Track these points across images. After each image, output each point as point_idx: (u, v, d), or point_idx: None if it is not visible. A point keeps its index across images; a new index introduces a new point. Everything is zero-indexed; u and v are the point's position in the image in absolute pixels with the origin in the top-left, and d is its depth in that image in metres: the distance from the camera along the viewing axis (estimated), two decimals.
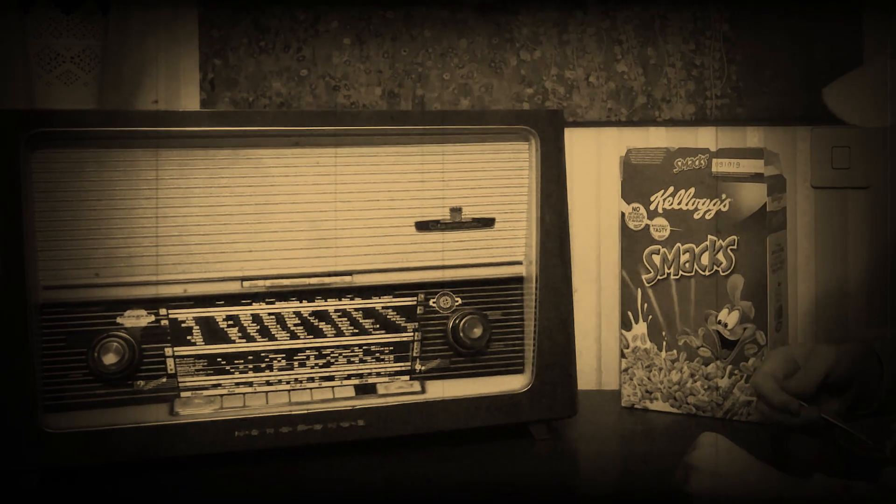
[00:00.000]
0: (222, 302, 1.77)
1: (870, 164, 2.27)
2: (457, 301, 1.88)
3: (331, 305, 1.82)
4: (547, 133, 1.89)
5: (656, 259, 2.05)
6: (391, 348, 1.85)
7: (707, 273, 2.01)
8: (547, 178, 1.89)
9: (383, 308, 1.85)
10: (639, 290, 2.07)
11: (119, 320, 1.73)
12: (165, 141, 1.73)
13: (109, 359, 1.70)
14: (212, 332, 1.77)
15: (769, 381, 1.71)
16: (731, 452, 1.43)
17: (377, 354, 1.84)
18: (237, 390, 1.78)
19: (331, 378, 1.82)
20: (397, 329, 1.85)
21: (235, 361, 1.78)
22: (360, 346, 1.84)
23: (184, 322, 1.76)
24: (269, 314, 1.80)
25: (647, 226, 2.06)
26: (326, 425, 1.78)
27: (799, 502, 1.33)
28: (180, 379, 1.76)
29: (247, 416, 1.75)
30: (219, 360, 1.77)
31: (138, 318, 1.74)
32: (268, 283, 1.79)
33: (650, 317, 2.07)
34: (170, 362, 1.75)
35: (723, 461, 1.40)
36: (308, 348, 1.81)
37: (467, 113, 2.03)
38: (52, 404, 1.69)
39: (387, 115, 1.90)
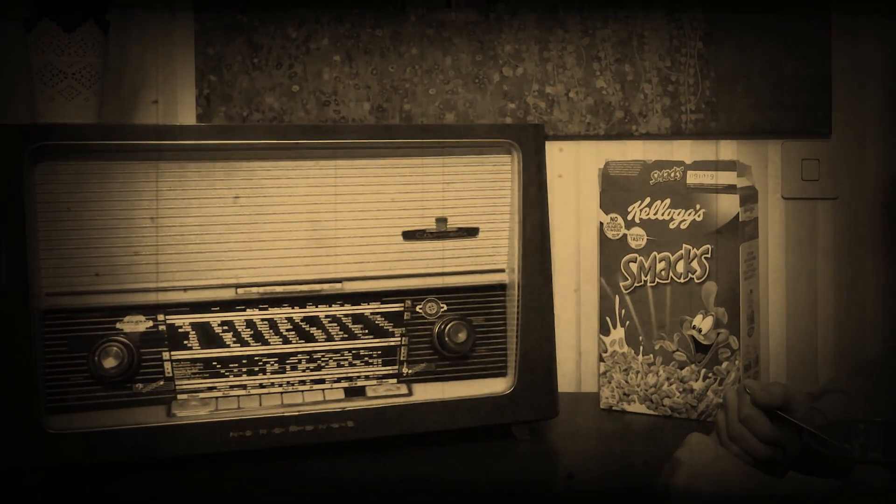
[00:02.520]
0: (217, 308, 1.78)
1: (838, 176, 2.28)
2: (442, 307, 1.89)
3: (321, 311, 1.83)
4: (528, 146, 1.90)
5: (633, 267, 2.06)
6: (379, 352, 1.86)
7: (682, 280, 2.02)
8: (528, 189, 1.90)
9: (372, 314, 1.86)
10: (617, 296, 2.08)
11: (118, 325, 1.74)
12: (163, 154, 1.74)
13: (109, 362, 1.71)
14: (207, 336, 1.78)
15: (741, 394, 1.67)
16: (716, 451, 1.45)
17: (366, 358, 1.85)
18: (232, 393, 1.79)
19: (321, 381, 1.83)
20: (385, 334, 1.86)
21: (230, 365, 1.79)
22: (349, 350, 1.84)
23: (180, 327, 1.77)
24: (263, 320, 1.80)
25: (625, 235, 2.07)
26: (317, 426, 1.79)
27: (774, 499, 1.33)
28: (177, 382, 1.76)
29: (241, 417, 1.76)
30: (214, 363, 1.78)
31: (137, 324, 1.74)
32: (261, 289, 1.79)
33: (628, 322, 2.08)
34: (167, 366, 1.76)
35: (707, 459, 1.42)
36: (300, 352, 1.82)
37: (452, 127, 2.04)
38: (54, 406, 1.70)
39: (376, 129, 1.90)
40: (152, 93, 2.31)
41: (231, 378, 1.79)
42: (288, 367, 1.82)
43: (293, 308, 1.82)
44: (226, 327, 1.79)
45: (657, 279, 2.04)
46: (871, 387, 1.75)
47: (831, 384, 1.79)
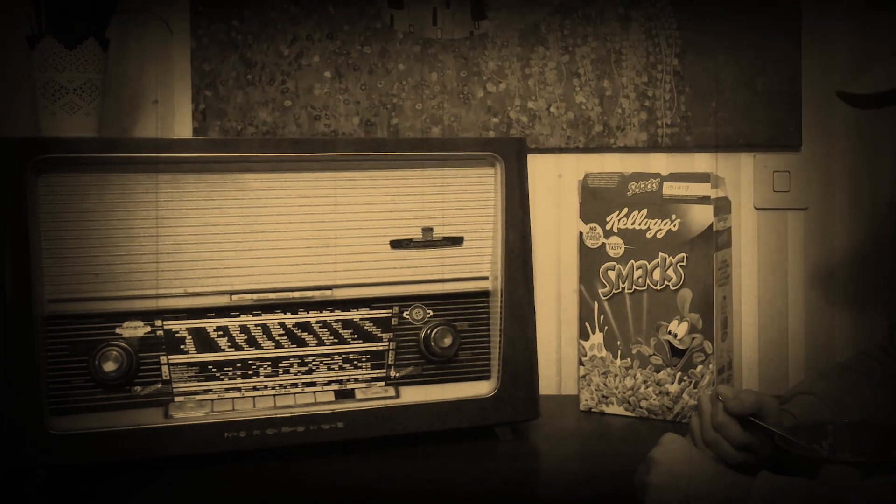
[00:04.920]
0: (213, 314, 1.79)
1: (808, 188, 2.29)
2: (428, 313, 1.90)
3: (312, 317, 1.84)
4: (511, 159, 1.91)
5: (612, 274, 2.07)
6: (368, 356, 1.87)
7: (658, 287, 2.03)
8: (511, 200, 1.91)
9: (361, 319, 1.87)
10: (596, 303, 2.10)
11: (118, 331, 1.74)
12: (161, 166, 1.75)
13: (109, 366, 1.72)
14: (203, 341, 1.79)
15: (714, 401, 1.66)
16: (689, 451, 1.46)
17: (355, 362, 1.86)
18: (226, 395, 1.80)
19: (312, 384, 1.84)
20: (374, 339, 1.87)
21: (225, 369, 1.80)
22: (339, 354, 1.85)
23: (177, 332, 1.78)
24: (256, 325, 1.81)
25: (604, 244, 2.08)
26: (308, 427, 1.80)
27: (746, 497, 1.34)
28: (174, 385, 1.77)
29: (235, 419, 1.77)
30: (210, 367, 1.79)
31: (136, 329, 1.75)
32: (255, 296, 1.80)
33: (606, 328, 2.09)
34: (164, 369, 1.77)
35: (681, 457, 1.43)
36: (292, 356, 1.83)
37: (438, 140, 2.05)
38: (57, 408, 1.71)
39: (365, 143, 1.92)
40: (151, 108, 2.32)
41: (226, 381, 1.80)
42: (280, 370, 1.82)
43: (285, 314, 1.83)
44: (221, 332, 1.80)
45: (634, 286, 2.06)
46: (839, 390, 1.77)
47: (801, 387, 1.80)
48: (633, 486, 1.47)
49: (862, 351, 1.94)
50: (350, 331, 1.86)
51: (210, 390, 1.79)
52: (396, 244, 1.87)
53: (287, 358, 1.83)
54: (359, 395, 1.86)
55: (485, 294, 1.93)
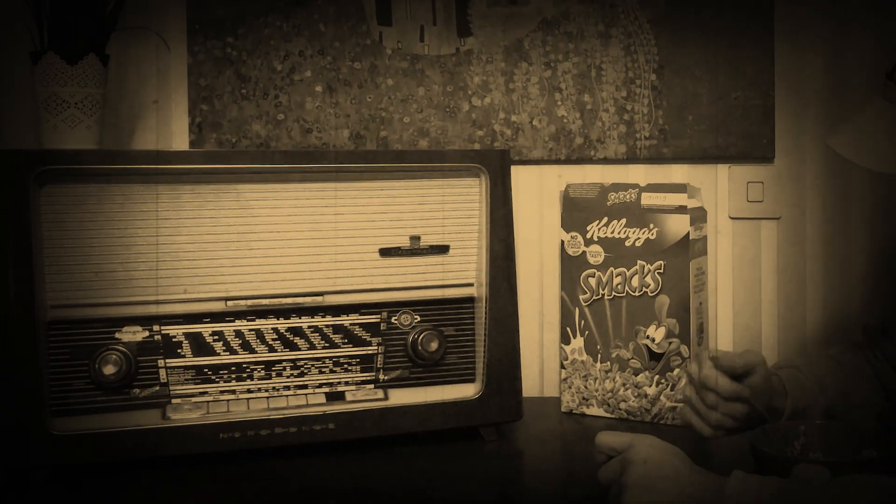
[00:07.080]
0: (208, 319, 1.80)
1: (781, 198, 2.31)
2: (416, 318, 1.91)
3: (304, 322, 1.85)
4: (495, 170, 1.92)
5: (592, 281, 2.08)
6: (358, 360, 1.88)
7: (637, 294, 2.04)
8: (495, 209, 1.92)
9: (351, 325, 1.88)
10: (576, 308, 2.11)
11: (117, 335, 1.75)
12: (159, 177, 1.76)
13: (109, 369, 1.72)
14: (199, 345, 1.80)
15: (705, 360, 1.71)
16: (664, 450, 1.46)
17: (345, 365, 1.87)
18: (222, 397, 1.81)
19: (304, 386, 1.85)
20: (363, 343, 1.88)
21: (220, 372, 1.81)
22: (330, 358, 1.86)
23: (174, 337, 1.78)
24: (250, 330, 1.82)
25: (584, 252, 2.09)
26: (301, 428, 1.81)
27: (720, 495, 1.36)
28: (171, 387, 1.78)
29: (230, 420, 1.78)
30: (205, 370, 1.80)
31: (134, 334, 1.76)
32: (249, 302, 1.81)
33: (587, 332, 2.10)
34: (162, 373, 1.78)
35: (658, 458, 1.43)
36: (284, 360, 1.84)
37: (425, 152, 2.05)
38: (58, 409, 1.71)
39: (354, 154, 1.92)
40: (149, 120, 2.32)
41: (221, 384, 1.80)
42: (273, 373, 1.83)
43: (278, 319, 1.84)
44: (216, 337, 1.81)
45: (614, 293, 2.07)
46: (820, 370, 1.79)
47: (784, 362, 1.82)
48: (610, 485, 1.47)
49: (833, 355, 1.95)
50: (340, 335, 1.87)
51: (206, 392, 1.80)
52: (385, 252, 1.88)
53: (280, 361, 1.84)
54: (349, 397, 1.86)
55: (470, 300, 1.94)
